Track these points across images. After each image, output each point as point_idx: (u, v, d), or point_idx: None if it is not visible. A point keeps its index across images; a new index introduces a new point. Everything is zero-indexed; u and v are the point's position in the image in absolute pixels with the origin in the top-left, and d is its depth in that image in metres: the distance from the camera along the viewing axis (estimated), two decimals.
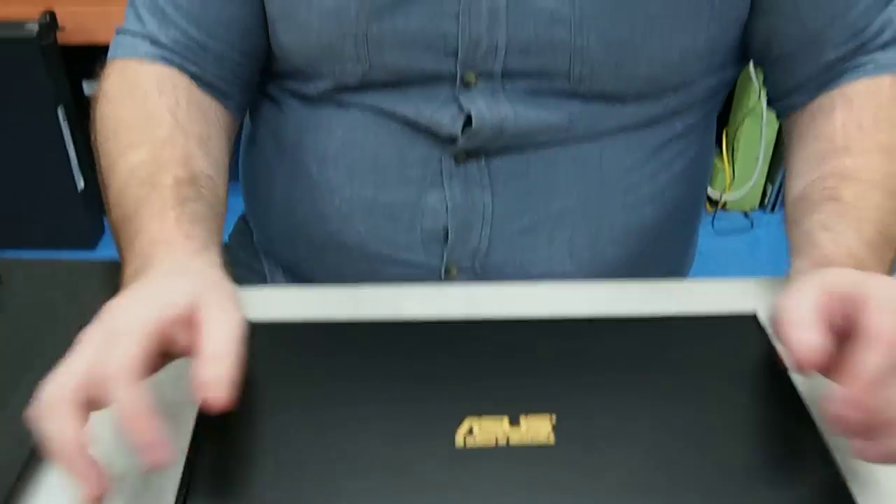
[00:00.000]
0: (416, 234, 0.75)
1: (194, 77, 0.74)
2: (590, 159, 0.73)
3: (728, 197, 2.09)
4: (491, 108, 0.71)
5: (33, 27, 1.83)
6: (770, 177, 2.11)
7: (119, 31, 0.77)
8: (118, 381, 0.45)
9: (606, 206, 0.75)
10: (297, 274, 0.84)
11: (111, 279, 0.71)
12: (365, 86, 0.72)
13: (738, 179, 2.08)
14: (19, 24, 1.83)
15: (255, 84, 0.80)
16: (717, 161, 2.08)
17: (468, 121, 0.71)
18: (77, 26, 1.89)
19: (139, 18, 0.75)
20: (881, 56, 0.71)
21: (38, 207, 2.03)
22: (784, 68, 0.75)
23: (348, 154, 0.75)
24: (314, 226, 0.78)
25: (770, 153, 2.07)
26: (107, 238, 2.10)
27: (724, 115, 2.06)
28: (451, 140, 0.72)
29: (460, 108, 0.71)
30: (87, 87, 2.04)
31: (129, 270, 0.59)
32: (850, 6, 0.71)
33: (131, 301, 0.51)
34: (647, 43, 0.69)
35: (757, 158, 2.04)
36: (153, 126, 0.69)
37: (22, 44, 1.83)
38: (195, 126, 0.71)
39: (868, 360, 0.46)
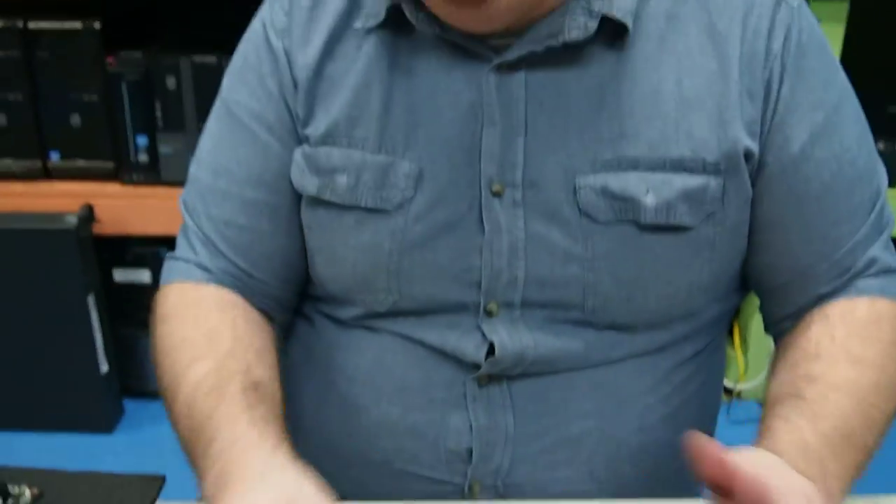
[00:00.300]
0: (440, 453, 0.78)
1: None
2: (606, 383, 0.77)
3: (742, 386, 2.11)
4: (512, 337, 0.75)
5: (73, 220, 1.92)
6: None
7: (172, 257, 0.83)
8: None
9: (623, 427, 0.78)
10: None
11: (148, 493, 0.74)
12: (394, 313, 0.78)
13: (751, 369, 2.11)
14: (60, 217, 1.93)
15: (293, 306, 0.86)
16: (729, 351, 2.12)
17: (491, 348, 0.76)
18: (112, 219, 1.98)
19: (192, 247, 0.81)
20: (860, 282, 0.77)
21: (61, 389, 2.06)
22: (777, 300, 0.81)
23: (377, 375, 0.79)
24: (342, 442, 0.81)
25: None
26: (125, 422, 2.12)
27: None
28: (475, 366, 0.76)
29: (483, 336, 0.76)
30: (116, 275, 2.11)
31: (209, 478, 0.65)
32: (838, 246, 0.77)
33: None
34: (655, 279, 0.74)
35: (769, 348, 2.07)
36: (216, 341, 0.75)
37: (61, 235, 1.92)
38: (253, 339, 0.77)
39: None
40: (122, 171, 1.98)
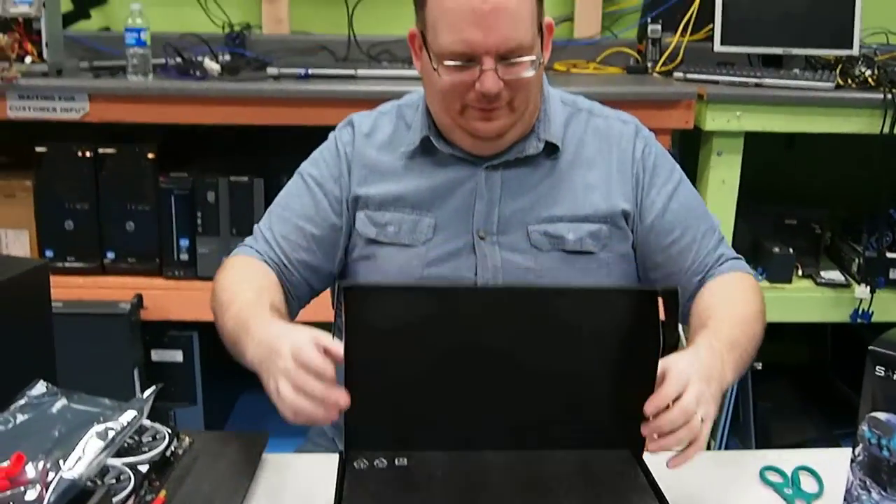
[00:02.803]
0: None
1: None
2: None
3: None
4: None
5: (126, 306, 2.35)
6: None
7: (242, 244, 1.40)
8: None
9: None
10: None
11: (259, 443, 1.16)
12: None
13: None
14: (115, 304, 2.36)
15: (304, 303, 1.40)
16: None
17: None
18: (156, 306, 2.41)
19: (257, 241, 1.39)
20: (722, 268, 1.34)
21: None
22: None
23: None
24: None
25: None
26: None
27: None
28: None
29: None
30: (154, 355, 2.52)
31: (251, 346, 1.13)
32: (701, 253, 1.35)
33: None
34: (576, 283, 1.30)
35: None
36: (257, 283, 1.30)
37: (115, 319, 2.35)
38: (278, 291, 1.32)
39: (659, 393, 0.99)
40: (166, 267, 2.43)
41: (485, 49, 1.21)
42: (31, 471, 0.78)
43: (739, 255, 1.40)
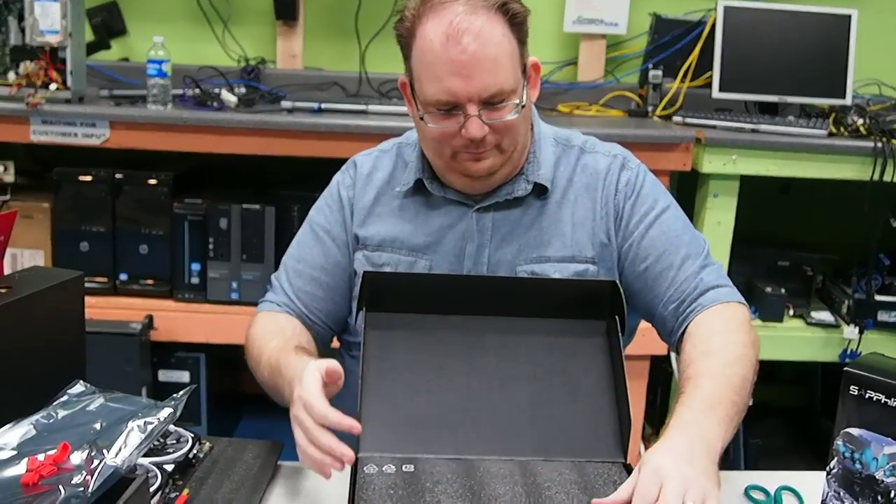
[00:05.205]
0: None
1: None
2: None
3: None
4: None
5: (137, 326, 2.42)
6: None
7: (264, 300, 1.46)
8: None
9: None
10: None
11: (273, 452, 1.23)
12: None
13: None
14: (126, 324, 2.43)
15: (326, 343, 1.47)
16: None
17: None
18: (166, 328, 2.48)
19: (277, 296, 1.45)
20: (701, 298, 1.31)
21: None
22: (660, 321, 1.36)
23: None
24: None
25: None
26: None
27: None
28: None
29: None
30: (161, 376, 2.59)
31: (286, 386, 1.22)
32: (677, 280, 1.33)
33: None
34: None
35: None
36: (284, 331, 1.37)
37: (126, 338, 2.42)
38: (303, 334, 1.39)
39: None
40: (177, 290, 2.50)
41: (467, 97, 1.26)
42: (76, 458, 0.85)
43: (723, 282, 1.33)
